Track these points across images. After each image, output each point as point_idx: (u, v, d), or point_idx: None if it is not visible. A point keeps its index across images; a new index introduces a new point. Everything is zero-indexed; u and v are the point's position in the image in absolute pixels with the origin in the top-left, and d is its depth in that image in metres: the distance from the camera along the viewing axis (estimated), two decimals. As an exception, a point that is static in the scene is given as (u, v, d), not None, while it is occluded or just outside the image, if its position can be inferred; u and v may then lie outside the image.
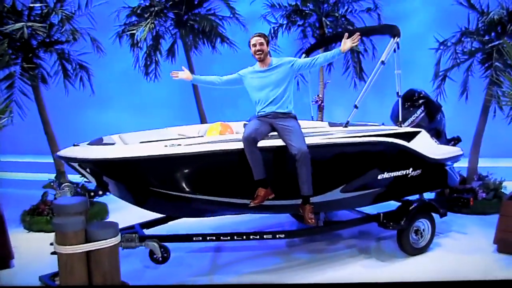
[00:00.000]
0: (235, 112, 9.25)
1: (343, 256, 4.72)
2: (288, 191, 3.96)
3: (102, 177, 3.87)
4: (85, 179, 5.85)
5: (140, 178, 3.66)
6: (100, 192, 4.09)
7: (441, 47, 6.52)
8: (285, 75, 4.11)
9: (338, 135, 4.21)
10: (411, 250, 4.67)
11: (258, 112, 4.16)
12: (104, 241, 3.36)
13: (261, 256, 4.80)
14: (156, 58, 7.01)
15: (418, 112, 5.44)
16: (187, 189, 3.76)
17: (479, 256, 4.65)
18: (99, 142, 4.09)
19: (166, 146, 3.62)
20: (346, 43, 4.00)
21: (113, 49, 6.90)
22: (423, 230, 4.76)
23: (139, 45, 6.59)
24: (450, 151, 5.12)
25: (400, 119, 4.82)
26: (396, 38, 4.59)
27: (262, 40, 4.13)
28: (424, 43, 6.91)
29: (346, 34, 4.04)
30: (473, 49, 6.28)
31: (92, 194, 4.11)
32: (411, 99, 5.44)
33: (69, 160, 3.70)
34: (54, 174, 6.32)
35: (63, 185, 4.07)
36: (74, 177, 6.13)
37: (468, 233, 5.35)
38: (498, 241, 4.66)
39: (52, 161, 6.41)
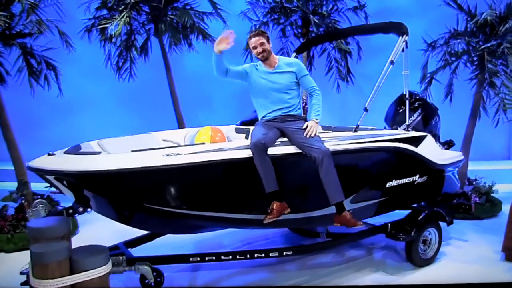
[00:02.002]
0: (209, 116, 8.77)
1: (347, 270, 4.37)
2: (305, 202, 3.61)
3: (83, 191, 3.31)
4: (51, 190, 5.21)
5: (134, 193, 3.15)
6: (81, 209, 3.50)
7: (429, 49, 6.37)
8: (294, 80, 3.77)
9: (350, 141, 3.85)
10: (420, 261, 4.41)
11: (263, 117, 3.75)
12: (93, 270, 2.82)
13: (253, 272, 4.34)
14: (132, 55, 6.37)
15: (415, 115, 5.19)
16: (187, 205, 3.29)
17: (488, 265, 4.43)
18: (77, 150, 3.54)
19: (164, 155, 3.12)
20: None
21: (83, 45, 6.23)
22: (431, 239, 4.51)
23: (112, 40, 5.95)
24: (453, 156, 4.92)
25: (407, 123, 4.56)
26: (404, 36, 4.31)
27: (262, 39, 3.73)
28: (412, 44, 6.73)
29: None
30: (460, 51, 6.16)
31: (70, 211, 3.51)
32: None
33: (48, 173, 3.11)
34: (15, 184, 5.57)
35: (35, 202, 3.47)
36: (38, 187, 5.46)
37: (469, 240, 5.16)
38: (506, 249, 4.48)
39: (13, 168, 5.66)
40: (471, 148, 6.57)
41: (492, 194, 6.08)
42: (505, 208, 6.15)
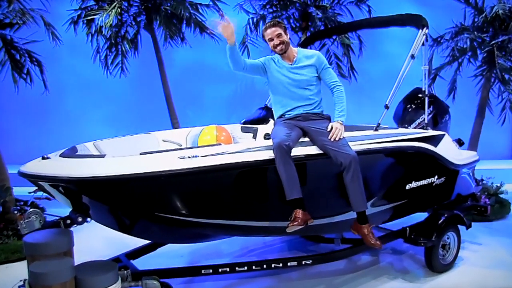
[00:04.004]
0: (200, 114, 8.39)
1: (363, 278, 4.10)
2: (328, 207, 3.36)
3: (81, 199, 2.93)
4: (35, 196, 4.76)
5: (147, 201, 2.79)
6: (80, 219, 3.09)
7: (435, 44, 6.18)
8: (315, 74, 3.47)
9: (372, 140, 3.57)
10: (440, 267, 4.18)
11: (283, 114, 3.43)
12: (101, 291, 2.45)
13: (257, 281, 4.01)
14: (124, 48, 5.93)
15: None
16: (204, 213, 2.96)
17: (510, 270, 4.25)
18: (73, 152, 3.15)
19: (180, 158, 2.76)
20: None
21: (69, 38, 5.77)
22: (450, 244, 4.29)
23: (102, 33, 5.50)
24: (469, 156, 4.72)
25: (426, 121, 4.31)
26: (424, 29, 4.06)
27: (279, 30, 3.39)
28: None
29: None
30: (466, 46, 5.98)
31: (68, 222, 3.09)
32: (417, 98, 4.96)
33: (47, 179, 2.72)
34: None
35: (28, 212, 3.03)
36: (20, 192, 4.99)
37: (483, 243, 4.97)
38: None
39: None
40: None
41: (500, 195, 5.92)
42: (514, 209, 6.05)
